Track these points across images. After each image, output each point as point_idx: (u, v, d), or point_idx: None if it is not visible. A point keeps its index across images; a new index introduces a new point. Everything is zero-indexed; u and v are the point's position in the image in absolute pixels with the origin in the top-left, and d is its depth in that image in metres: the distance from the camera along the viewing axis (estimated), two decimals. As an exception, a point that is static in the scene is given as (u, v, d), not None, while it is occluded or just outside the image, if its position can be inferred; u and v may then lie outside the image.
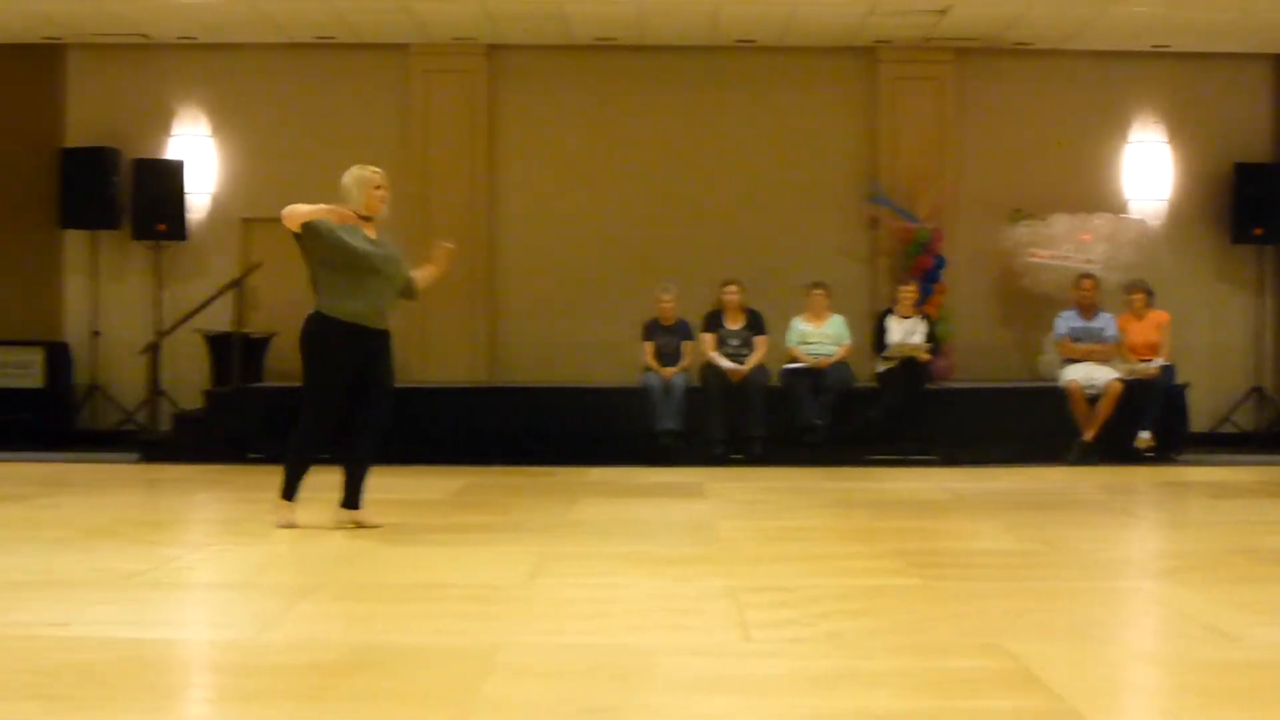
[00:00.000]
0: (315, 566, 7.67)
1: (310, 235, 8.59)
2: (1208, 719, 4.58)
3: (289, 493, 8.82)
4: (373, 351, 8.74)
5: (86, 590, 6.72)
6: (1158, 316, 14.31)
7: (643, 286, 14.84)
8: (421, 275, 9.25)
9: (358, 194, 8.76)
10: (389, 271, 8.79)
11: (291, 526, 8.68)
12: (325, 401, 8.71)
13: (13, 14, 14.98)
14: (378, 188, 8.78)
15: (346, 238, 8.63)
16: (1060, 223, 15.65)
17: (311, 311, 8.75)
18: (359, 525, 8.78)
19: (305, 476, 8.82)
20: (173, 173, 16.06)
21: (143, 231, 16.03)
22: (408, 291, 9.07)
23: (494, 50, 16.41)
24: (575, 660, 5.20)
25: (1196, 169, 16.56)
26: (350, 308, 8.65)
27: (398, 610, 6.36)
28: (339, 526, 8.77)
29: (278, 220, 8.60)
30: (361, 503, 8.87)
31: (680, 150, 16.51)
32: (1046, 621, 6.06)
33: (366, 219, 8.77)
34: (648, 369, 14.00)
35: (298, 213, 8.50)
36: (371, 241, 8.73)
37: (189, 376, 15.73)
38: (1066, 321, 14.32)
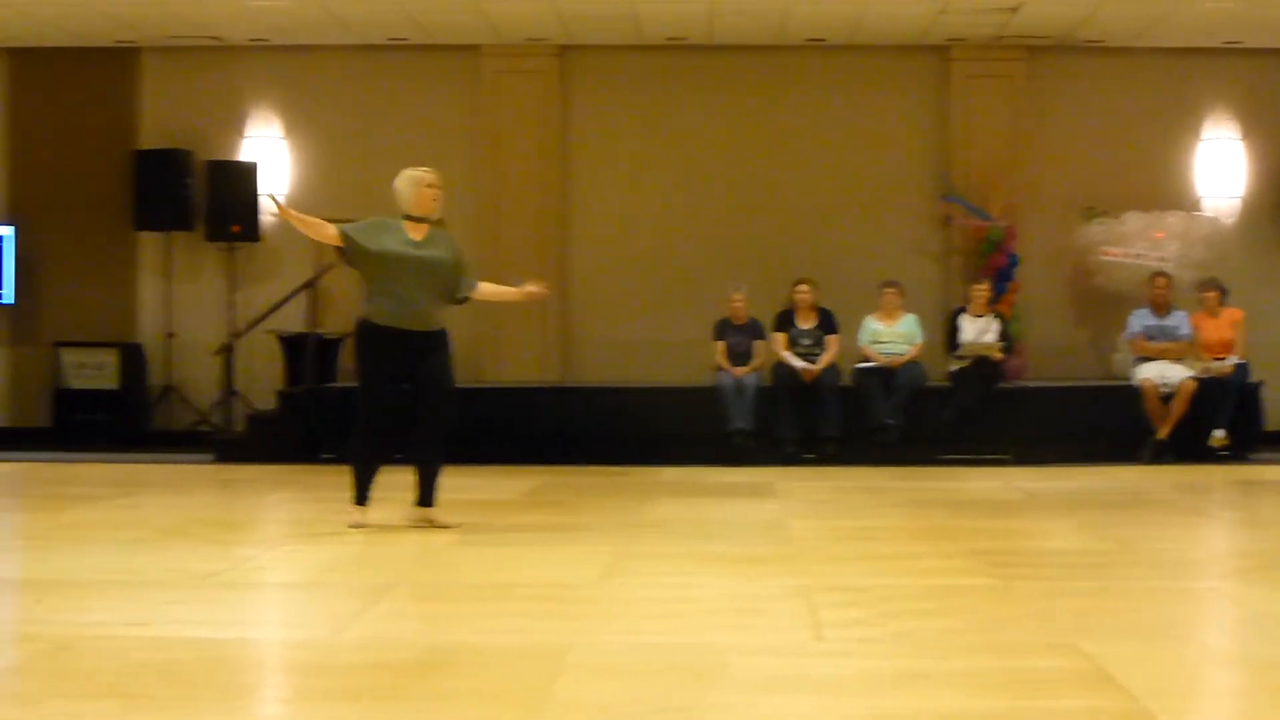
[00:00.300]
0: (389, 566, 7.73)
1: (347, 243, 8.69)
2: (1284, 720, 4.56)
3: (359, 496, 8.87)
4: (420, 353, 8.71)
5: (164, 590, 6.79)
6: (1231, 314, 14.22)
7: (714, 286, 14.85)
8: (492, 290, 9.24)
9: (409, 193, 8.78)
10: (428, 274, 8.72)
11: (362, 527, 8.74)
12: (370, 403, 8.76)
13: (88, 18, 15.11)
14: (429, 185, 8.79)
15: (383, 239, 8.67)
16: (1133, 220, 15.52)
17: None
18: (432, 524, 8.82)
19: (374, 477, 8.88)
20: (246, 174, 16.14)
21: (216, 233, 16.11)
22: (456, 297, 8.96)
23: (565, 50, 16.43)
24: (647, 660, 5.21)
25: (1270, 166, 16.37)
26: (384, 311, 8.69)
27: (470, 610, 6.40)
28: (413, 524, 8.83)
29: (347, 223, 8.76)
30: (435, 501, 8.91)
31: (751, 149, 16.46)
32: (1121, 621, 6.03)
33: (418, 220, 8.80)
34: (719, 369, 14.00)
35: (318, 225, 8.73)
36: (414, 243, 8.71)
37: (262, 377, 15.83)
38: (1140, 320, 14.24)
